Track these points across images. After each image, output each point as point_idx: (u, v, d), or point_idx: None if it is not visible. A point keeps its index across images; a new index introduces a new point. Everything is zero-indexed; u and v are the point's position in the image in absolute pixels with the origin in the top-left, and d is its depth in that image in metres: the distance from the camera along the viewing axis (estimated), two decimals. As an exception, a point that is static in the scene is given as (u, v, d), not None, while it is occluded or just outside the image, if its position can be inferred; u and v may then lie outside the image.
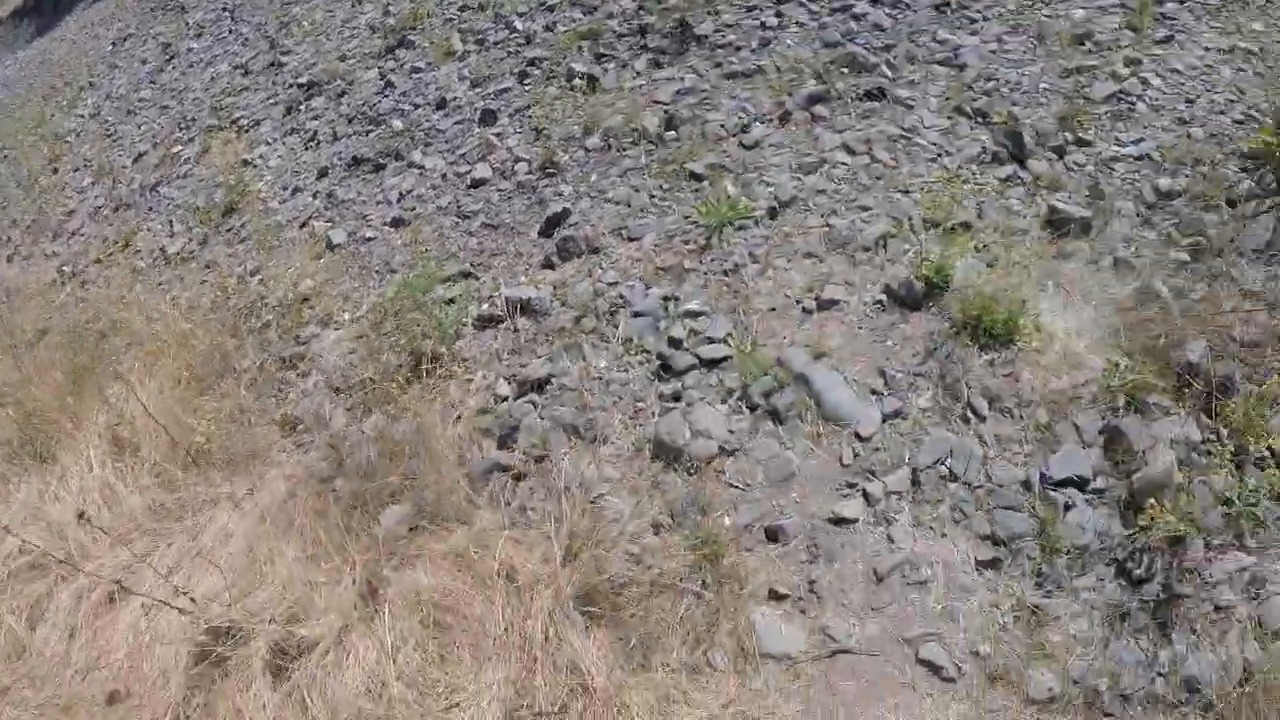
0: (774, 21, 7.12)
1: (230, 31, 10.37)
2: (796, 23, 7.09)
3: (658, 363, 4.88)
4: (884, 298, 4.97)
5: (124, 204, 8.33)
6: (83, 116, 10.43)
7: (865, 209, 5.46)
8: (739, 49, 6.90)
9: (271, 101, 8.49)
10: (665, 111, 6.46)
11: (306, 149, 7.61)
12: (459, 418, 4.99)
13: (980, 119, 6.07)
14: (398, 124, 7.19)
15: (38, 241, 8.84)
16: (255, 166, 7.74)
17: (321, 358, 5.67)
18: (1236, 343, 4.53)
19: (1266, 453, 4.17)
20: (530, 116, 6.82)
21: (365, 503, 4.74)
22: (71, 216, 8.69)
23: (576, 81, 6.93)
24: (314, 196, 7.00)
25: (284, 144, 7.83)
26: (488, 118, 6.88)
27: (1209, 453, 4.22)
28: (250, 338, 6.05)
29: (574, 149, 6.41)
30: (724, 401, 4.66)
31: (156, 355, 5.89)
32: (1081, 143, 5.82)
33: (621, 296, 5.25)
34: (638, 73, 6.93)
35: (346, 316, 5.89)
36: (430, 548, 4.55)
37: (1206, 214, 5.27)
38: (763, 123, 6.26)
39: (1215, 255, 5.01)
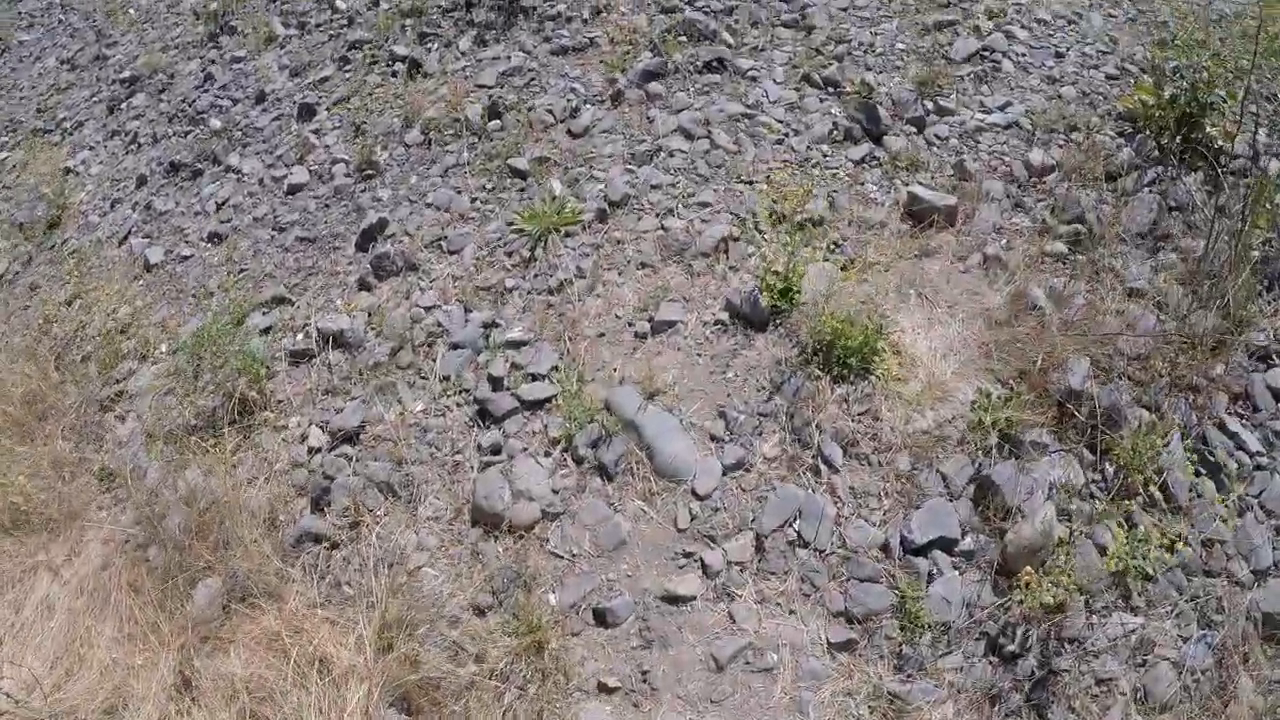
0: (606, -13, 5.59)
1: (60, 22, 8.26)
2: (629, -18, 5.57)
3: (476, 407, 3.63)
4: (725, 316, 3.76)
5: None
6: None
7: (704, 205, 4.19)
8: (570, 20, 5.41)
9: (95, 100, 6.72)
10: (490, 97, 5.02)
11: (127, 153, 5.99)
12: (272, 473, 3.72)
13: (831, 89, 4.78)
14: (216, 123, 5.61)
15: None
16: (77, 174, 6.11)
17: (138, 399, 4.32)
18: (1124, 356, 3.44)
19: (1158, 493, 3.16)
20: (350, 109, 5.32)
21: (179, 574, 3.54)
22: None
23: (398, 66, 5.41)
24: (133, 209, 5.47)
25: (105, 148, 6.17)
26: (306, 112, 5.35)
27: (1093, 496, 3.19)
28: (71, 373, 4.65)
29: (394, 145, 4.96)
30: (547, 454, 3.48)
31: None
32: (943, 111, 4.58)
33: (439, 324, 3.96)
34: (462, 53, 5.42)
35: (164, 349, 4.51)
36: (243, 629, 3.43)
37: (1084, 192, 4.10)
38: (594, 104, 4.86)
39: (1097, 244, 3.87)
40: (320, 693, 3.18)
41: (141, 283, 4.87)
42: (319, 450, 3.73)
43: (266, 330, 4.26)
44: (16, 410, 4.39)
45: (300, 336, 4.16)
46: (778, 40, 5.09)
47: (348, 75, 5.46)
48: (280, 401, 3.96)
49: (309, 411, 3.88)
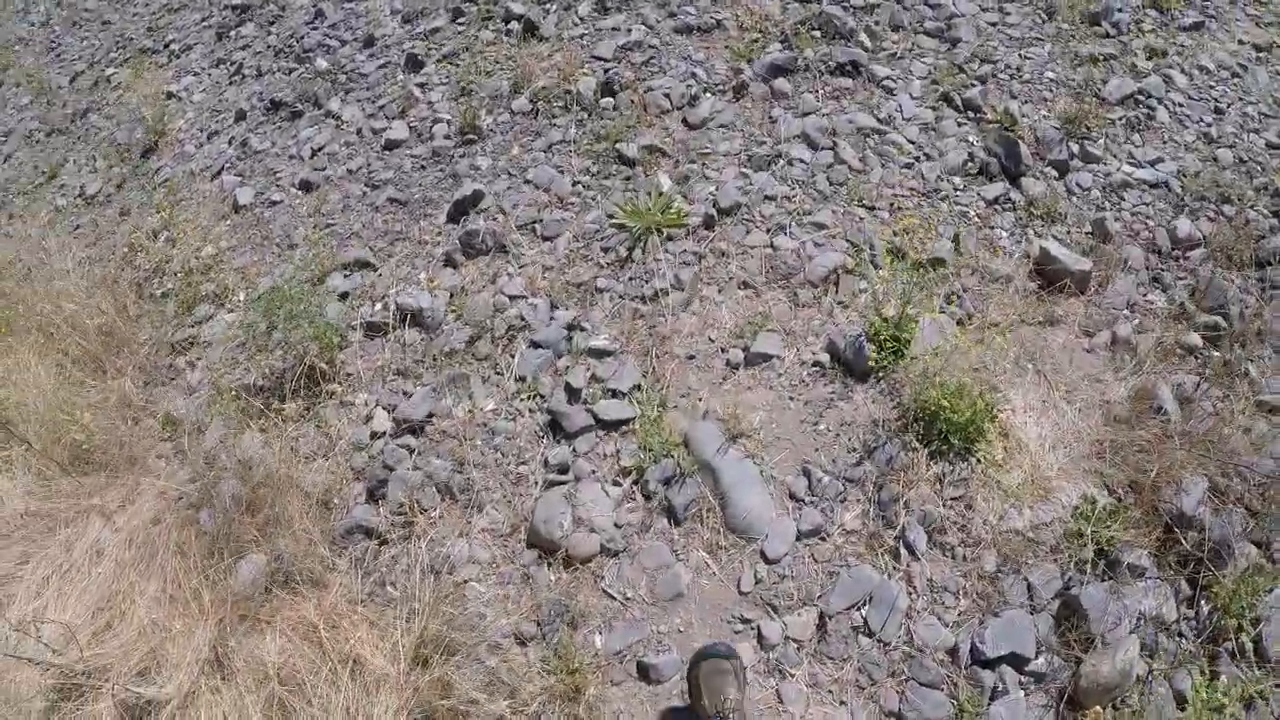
0: (741, -36, 5.04)
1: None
2: (767, -34, 5.02)
3: (549, 417, 3.30)
4: (826, 358, 3.33)
5: (56, 129, 6.41)
6: (33, 24, 8.15)
7: (819, 227, 3.72)
8: (706, -9, 4.87)
9: (205, 24, 6.39)
10: (605, 71, 4.57)
11: (230, 83, 5.69)
12: (332, 452, 3.46)
13: (971, 113, 4.21)
14: (322, 63, 5.27)
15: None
16: (179, 100, 5.83)
17: (211, 347, 4.09)
18: (1246, 481, 2.93)
19: (1249, 644, 2.67)
20: (458, 66, 4.91)
21: (226, 545, 3.34)
22: (8, 139, 6.77)
23: (512, 25, 4.98)
24: (229, 143, 5.20)
25: (209, 76, 5.88)
26: (413, 64, 4.97)
27: (1181, 635, 2.72)
28: (150, 306, 4.44)
29: (499, 111, 4.57)
30: (616, 483, 3.13)
31: (54, 325, 4.31)
32: (1089, 158, 4.00)
33: (522, 317, 3.61)
34: (581, 18, 4.96)
35: (241, 297, 4.26)
36: (283, 614, 3.21)
37: (1229, 278, 3.53)
38: (714, 94, 4.38)
39: (1235, 342, 3.32)
40: (350, 695, 2.96)
41: (228, 223, 4.62)
42: (382, 435, 3.45)
43: (345, 295, 3.97)
44: (91, 342, 4.20)
45: (379, 307, 3.86)
46: (918, 49, 4.52)
47: (460, 29, 5.06)
48: (350, 375, 3.68)
49: (377, 390, 3.60)
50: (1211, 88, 4.36)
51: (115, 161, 5.49)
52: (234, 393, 3.78)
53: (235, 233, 4.56)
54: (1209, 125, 4.19)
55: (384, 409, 3.51)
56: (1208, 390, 3.11)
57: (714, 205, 3.81)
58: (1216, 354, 3.33)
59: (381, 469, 3.33)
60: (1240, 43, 4.63)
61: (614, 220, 3.85)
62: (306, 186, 4.58)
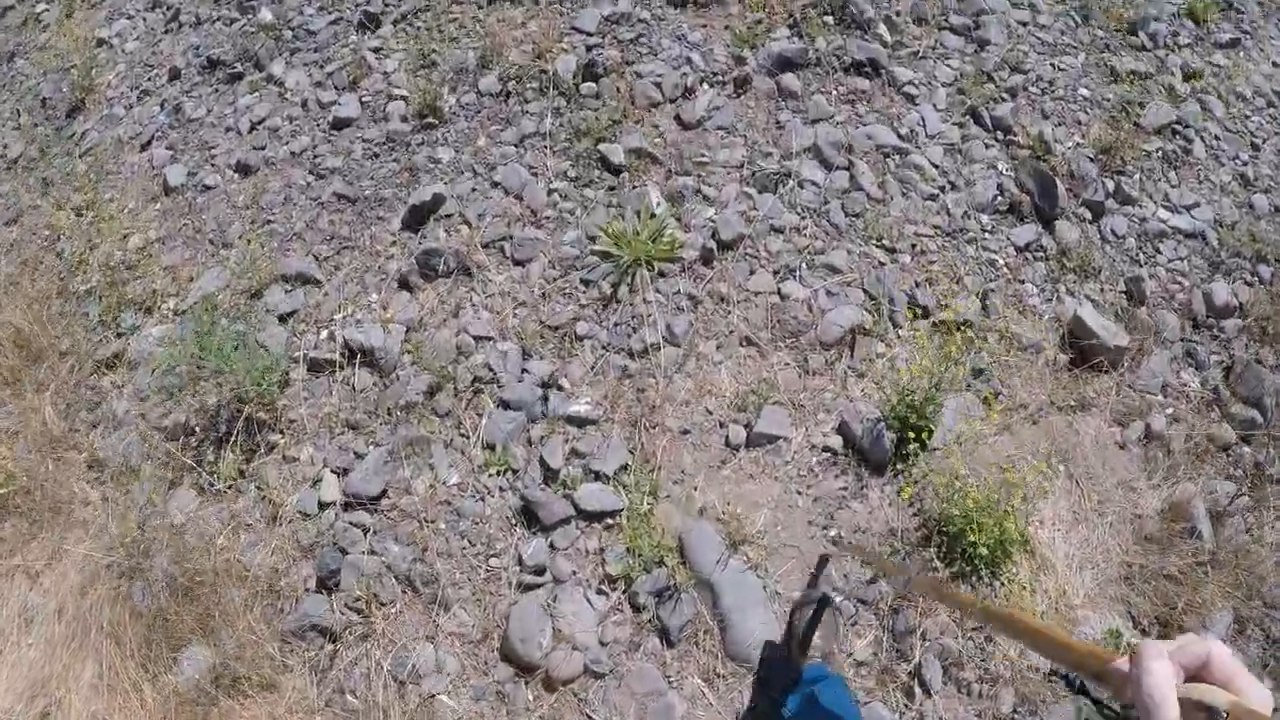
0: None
1: None
2: (774, -72, 4.02)
3: (522, 501, 2.65)
4: (839, 441, 2.70)
5: None
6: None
7: (833, 271, 3.01)
8: (697, -41, 3.89)
9: (141, -48, 5.08)
10: (587, 49, 3.63)
11: (166, 32, 4.51)
12: (276, 519, 2.78)
13: (1001, 134, 3.44)
14: (267, 14, 4.15)
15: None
16: (110, 47, 4.64)
17: (138, 369, 3.28)
18: (1268, 607, 2.44)
19: None
20: (419, 28, 3.90)
21: (165, 627, 2.71)
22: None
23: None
24: (160, 106, 4.14)
25: (144, 21, 4.66)
26: (369, 22, 3.94)
27: None
28: (73, 307, 3.56)
29: (464, 89, 3.64)
30: (601, 591, 2.53)
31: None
32: (1125, 198, 3.32)
33: (490, 367, 2.89)
34: (562, -23, 3.94)
35: (170, 305, 3.42)
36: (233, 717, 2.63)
37: (1265, 356, 2.94)
38: (712, 86, 3.51)
39: (1271, 442, 2.76)
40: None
41: (158, 207, 3.69)
42: (332, 505, 2.78)
43: (286, 317, 3.17)
44: (7, 354, 3.36)
45: (324, 336, 3.08)
46: (943, 49, 3.67)
47: (429, -20, 4.00)
48: (293, 422, 2.95)
49: (324, 445, 2.88)
50: (1248, 118, 3.66)
51: (40, 119, 4.40)
52: (164, 432, 3.03)
53: (165, 220, 3.64)
54: (1245, 164, 3.52)
55: (333, 472, 2.81)
56: (1241, 502, 2.59)
57: (713, 236, 3.05)
58: (1248, 451, 2.79)
59: (333, 550, 2.68)
60: (1275, 65, 3.87)
61: (597, 246, 3.07)
62: (244, 169, 3.65)
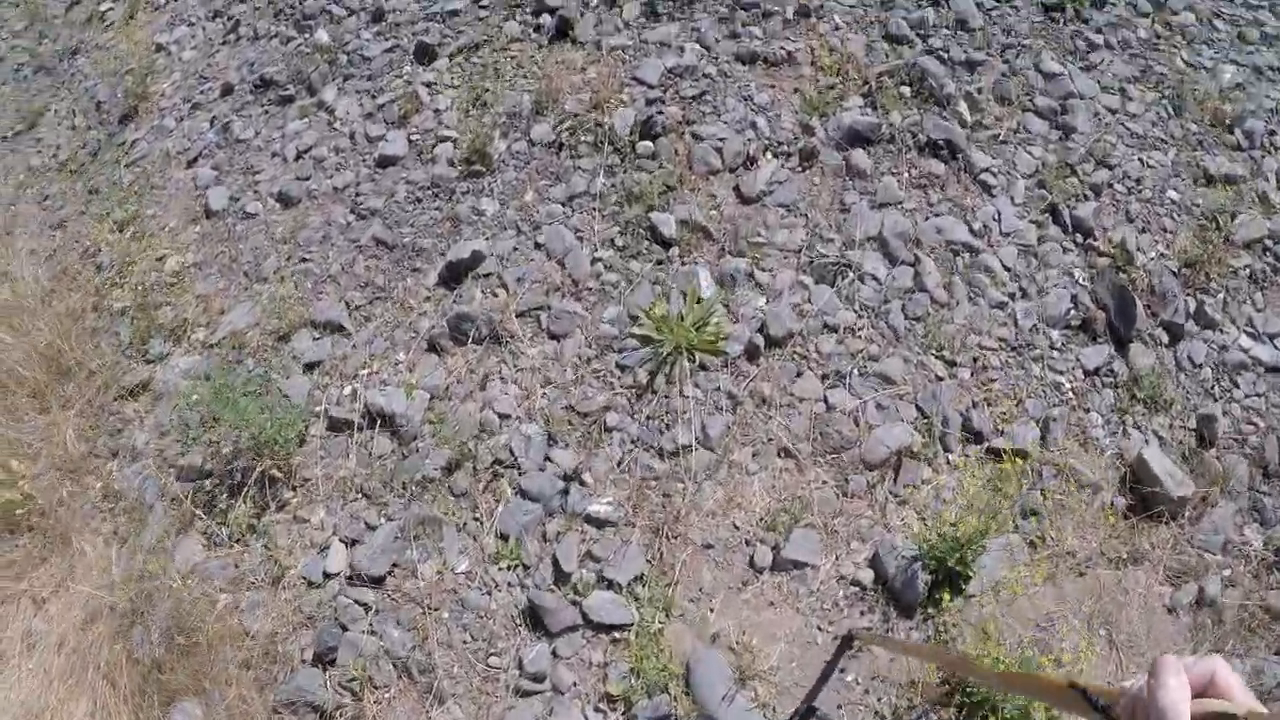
0: (825, -19, 3.70)
1: None
2: (856, -13, 3.67)
3: (529, 602, 2.42)
4: (869, 576, 2.43)
5: (44, 67, 4.98)
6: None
7: (886, 382, 2.73)
8: (768, 16, 3.57)
9: (206, -43, 4.85)
10: (647, 102, 3.34)
11: (223, 43, 4.32)
12: (281, 581, 2.59)
13: (1080, 236, 3.09)
14: (323, 35, 3.93)
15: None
16: (168, 54, 4.48)
17: (162, 401, 3.12)
18: None
19: None
20: (475, 64, 3.63)
21: (159, 680, 2.56)
22: (-7, 69, 5.37)
23: (544, 19, 3.64)
24: (210, 123, 3.97)
25: (204, 30, 4.46)
26: (423, 54, 3.68)
27: None
28: (105, 324, 3.41)
29: (515, 136, 3.38)
30: (599, 710, 2.30)
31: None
32: (1206, 321, 2.96)
33: (512, 451, 2.66)
34: (626, 23, 3.65)
35: (199, 337, 3.25)
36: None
37: None
38: (776, 156, 3.20)
39: None
40: None
41: (197, 230, 3.52)
42: (337, 576, 2.58)
43: (312, 367, 2.97)
44: (37, 367, 3.22)
45: (347, 393, 2.88)
46: (1025, 133, 3.30)
47: (482, 16, 3.71)
48: (307, 481, 2.76)
49: (336, 510, 2.69)
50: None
51: (93, 122, 4.26)
52: (179, 472, 2.87)
53: (203, 244, 3.47)
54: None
55: (342, 541, 2.62)
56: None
57: (762, 330, 2.77)
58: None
59: (333, 626, 2.49)
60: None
61: (638, 327, 2.81)
62: (286, 200, 3.45)
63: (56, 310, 3.37)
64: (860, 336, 2.80)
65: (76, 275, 3.55)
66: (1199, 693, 0.67)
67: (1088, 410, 2.79)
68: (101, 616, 2.77)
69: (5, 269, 3.67)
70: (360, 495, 2.72)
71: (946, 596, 2.38)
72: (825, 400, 2.69)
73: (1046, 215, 3.12)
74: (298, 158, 3.55)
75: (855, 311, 2.85)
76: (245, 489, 2.76)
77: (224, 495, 2.80)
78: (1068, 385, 2.82)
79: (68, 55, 4.72)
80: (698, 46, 3.49)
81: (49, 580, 2.94)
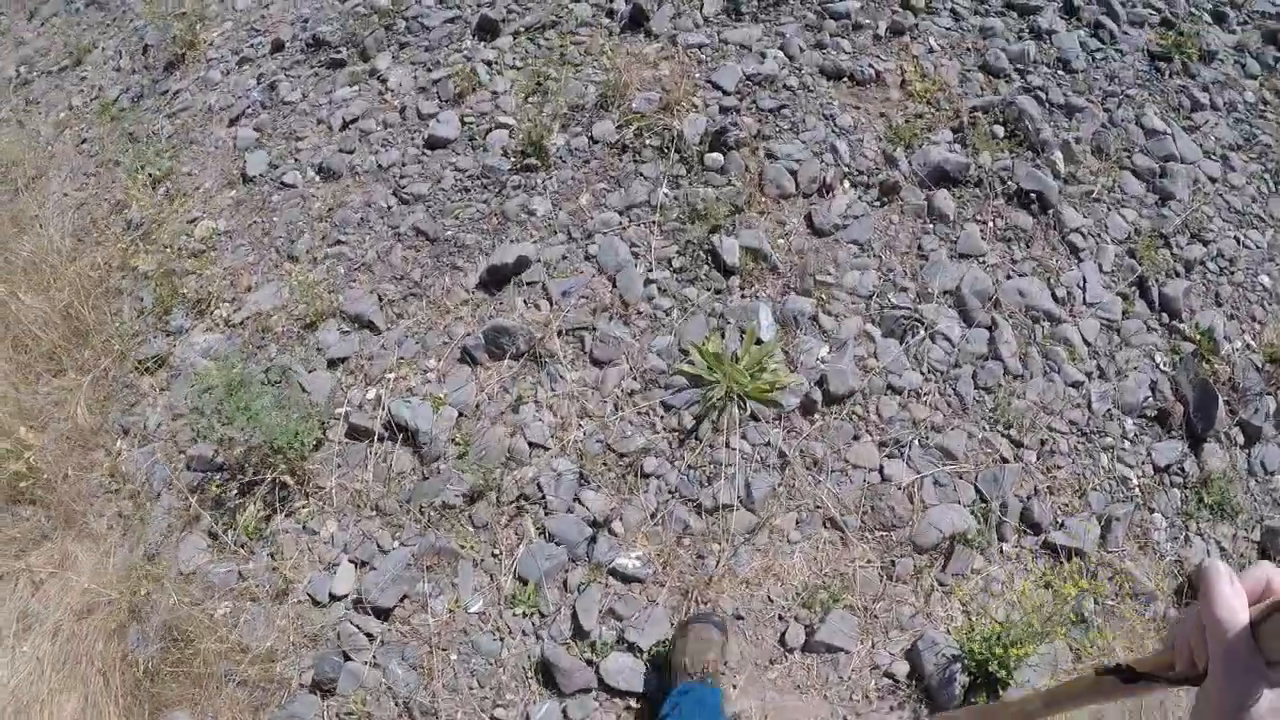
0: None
1: None
2: (951, 9, 3.11)
3: (543, 656, 2.07)
4: (904, 669, 2.07)
5: (96, 0, 4.46)
6: None
7: (948, 457, 2.33)
8: (858, 28, 3.04)
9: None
10: (721, 109, 2.86)
11: None
12: (285, 592, 2.25)
13: (1165, 315, 2.61)
14: (384, -1, 3.39)
15: (14, 18, 4.93)
16: (221, 1, 3.95)
17: (178, 379, 2.75)
18: None
19: None
20: (539, 46, 3.13)
21: (152, 686, 2.27)
22: (48, -2, 4.80)
23: (617, 5, 3.10)
24: (257, 80, 3.49)
25: None
26: (485, 29, 3.17)
27: None
28: (131, 285, 3.01)
29: (575, 131, 2.93)
30: (607, 788, 1.98)
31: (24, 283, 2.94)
32: (1293, 430, 2.49)
33: (540, 488, 2.28)
34: (705, 19, 3.12)
35: (223, 314, 2.86)
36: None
37: None
38: (855, 185, 2.72)
39: None
40: None
41: (232, 195, 3.09)
42: (343, 599, 2.23)
43: (337, 363, 2.57)
44: (56, 326, 2.82)
45: (370, 397, 2.50)
46: (1120, 194, 2.85)
47: (562, -8, 3.19)
48: (321, 489, 2.39)
49: (348, 526, 2.34)
50: None
51: (139, 66, 3.79)
52: (190, 462, 2.50)
53: (236, 212, 3.06)
54: None
55: (351, 562, 2.27)
56: None
57: (821, 384, 2.35)
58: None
59: (335, 653, 2.17)
60: None
61: (688, 365, 2.39)
62: (326, 173, 3.02)
63: (80, 266, 2.98)
64: (925, 403, 2.39)
65: (105, 230, 3.16)
66: (1255, 600, 0.56)
67: (1152, 511, 2.40)
68: (99, 608, 2.45)
69: (36, 213, 3.25)
70: (375, 513, 2.36)
71: (983, 699, 2.03)
72: (881, 470, 2.29)
73: (1134, 289, 2.67)
74: (343, 128, 3.11)
75: (923, 374, 2.43)
76: (255, 489, 2.40)
77: (233, 492, 2.45)
78: (1135, 481, 2.42)
79: None
80: (781, 54, 2.98)
81: (48, 561, 2.61)
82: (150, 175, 3.26)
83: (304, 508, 2.45)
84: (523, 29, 3.16)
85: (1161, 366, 2.63)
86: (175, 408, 2.72)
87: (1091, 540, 2.36)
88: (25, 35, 4.70)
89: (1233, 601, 0.54)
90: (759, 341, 2.49)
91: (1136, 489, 2.46)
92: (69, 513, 2.67)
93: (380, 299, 2.75)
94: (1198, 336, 2.66)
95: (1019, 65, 3.14)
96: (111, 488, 2.70)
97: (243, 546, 2.44)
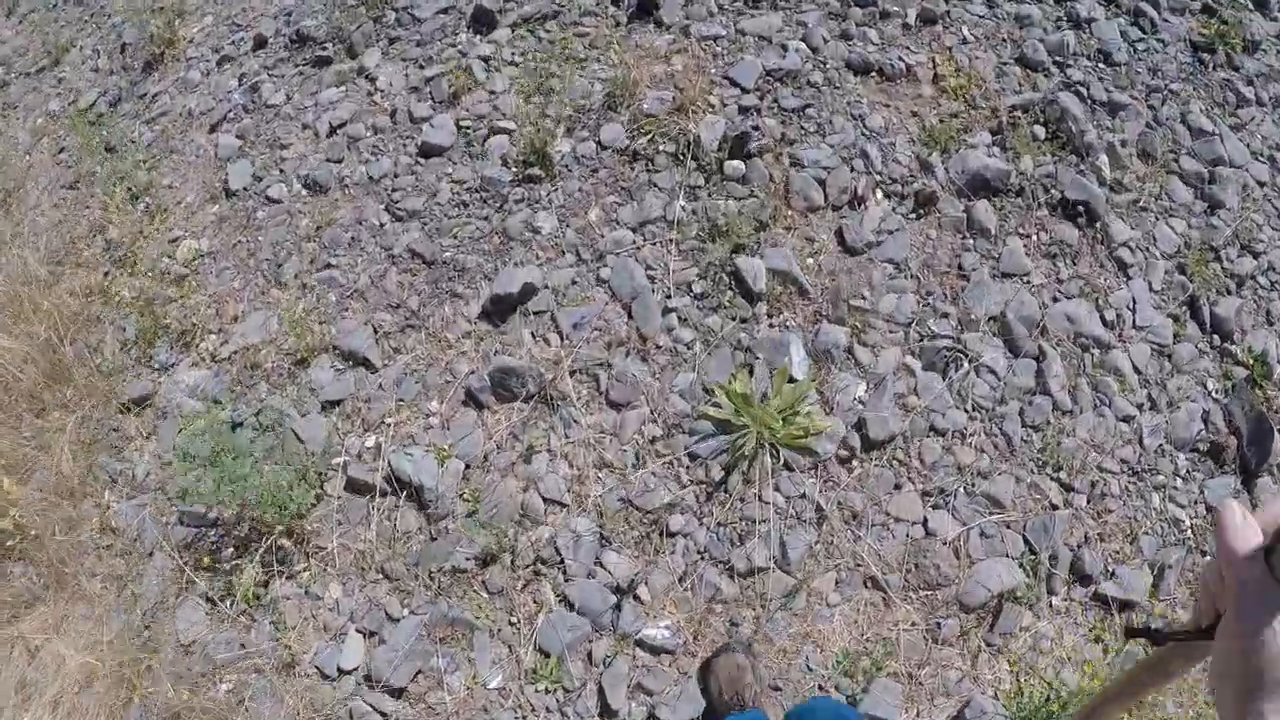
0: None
1: None
2: (989, -6, 2.59)
3: (569, 738, 1.74)
4: (949, 751, 1.74)
5: None
6: None
7: (995, 506, 1.95)
8: (886, 16, 2.51)
9: None
10: (740, 109, 2.35)
11: None
12: (290, 664, 1.88)
13: (1217, 338, 2.20)
14: (369, -17, 2.79)
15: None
16: None
17: (165, 422, 2.30)
18: None
19: None
20: (541, 40, 2.59)
21: None
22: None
23: (626, -5, 2.54)
24: (238, 81, 2.91)
25: None
26: (482, 19, 2.59)
27: None
28: (113, 313, 2.52)
29: (581, 136, 2.43)
30: None
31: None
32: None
33: (558, 551, 1.89)
34: (720, 7, 2.55)
35: (209, 347, 2.39)
36: None
37: None
38: (889, 196, 2.24)
39: None
40: None
41: (215, 211, 2.59)
42: (352, 673, 1.87)
43: (332, 406, 2.13)
44: (36, 361, 2.35)
45: (370, 445, 2.09)
46: (1169, 202, 2.39)
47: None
48: (322, 549, 1.99)
49: (353, 590, 1.98)
50: None
51: (116, 66, 3.16)
52: (182, 517, 2.09)
53: (220, 229, 2.57)
54: None
55: (360, 632, 1.90)
56: None
57: (859, 428, 1.93)
58: None
59: (344, 733, 1.80)
60: None
61: (714, 408, 1.97)
62: (313, 187, 2.51)
63: (59, 294, 2.50)
64: (970, 445, 2.00)
65: (83, 251, 2.65)
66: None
67: (1204, 553, 2.04)
68: (98, 678, 2.08)
69: (14, 233, 2.72)
70: (381, 576, 1.99)
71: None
72: (925, 523, 1.92)
73: (1185, 308, 2.24)
74: (330, 133, 2.59)
75: (967, 412, 2.03)
76: (252, 547, 2.01)
77: (229, 552, 2.06)
78: (1187, 522, 2.06)
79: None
80: (803, 46, 2.46)
81: (42, 626, 2.23)
82: (129, 189, 2.74)
83: (305, 570, 2.07)
84: (521, 20, 2.60)
85: (1214, 394, 2.23)
86: (163, 456, 2.31)
87: (1143, 589, 2.02)
88: (3, 33, 4.03)
89: (1245, 531, 0.48)
90: (791, 380, 2.08)
91: (1189, 531, 2.10)
92: (59, 573, 2.27)
93: (375, 331, 2.30)
94: (1250, 361, 2.25)
95: (1058, 58, 2.62)
96: (103, 543, 2.30)
97: (243, 613, 2.07)
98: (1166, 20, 2.90)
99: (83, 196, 2.96)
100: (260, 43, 2.97)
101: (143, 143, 2.91)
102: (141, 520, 2.27)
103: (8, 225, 2.93)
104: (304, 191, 2.57)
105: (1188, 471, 2.18)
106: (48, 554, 2.31)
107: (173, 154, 2.87)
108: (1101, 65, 2.71)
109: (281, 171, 2.64)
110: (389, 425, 2.19)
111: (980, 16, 2.73)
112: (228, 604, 2.08)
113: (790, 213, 2.36)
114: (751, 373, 2.13)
